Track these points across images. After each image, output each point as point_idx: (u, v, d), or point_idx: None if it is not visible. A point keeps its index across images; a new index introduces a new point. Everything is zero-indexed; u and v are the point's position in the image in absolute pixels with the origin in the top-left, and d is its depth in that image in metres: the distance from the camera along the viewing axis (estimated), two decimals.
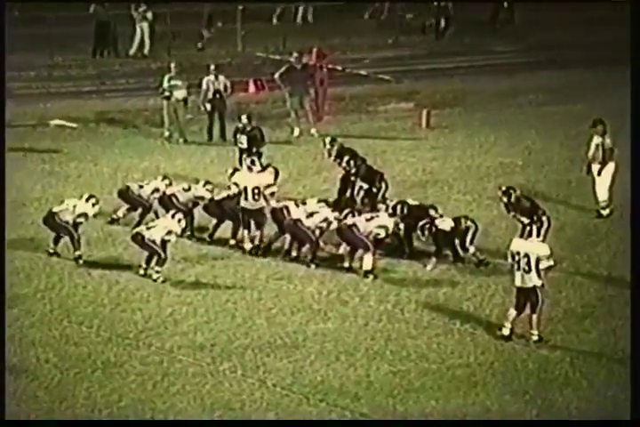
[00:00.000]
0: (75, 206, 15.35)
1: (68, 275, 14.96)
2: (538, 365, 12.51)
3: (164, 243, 14.70)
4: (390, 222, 15.03)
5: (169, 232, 14.69)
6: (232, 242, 15.88)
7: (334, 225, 15.16)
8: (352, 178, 17.09)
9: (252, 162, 16.35)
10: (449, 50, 29.20)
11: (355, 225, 14.91)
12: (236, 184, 15.87)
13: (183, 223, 14.98)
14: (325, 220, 15.19)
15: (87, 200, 15.46)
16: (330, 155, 17.64)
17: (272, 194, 16.11)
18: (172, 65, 21.47)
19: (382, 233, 14.98)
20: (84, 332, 13.39)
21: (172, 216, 14.98)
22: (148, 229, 14.79)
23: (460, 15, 30.23)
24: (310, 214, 15.28)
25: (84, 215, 15.32)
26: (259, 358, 12.74)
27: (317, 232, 15.29)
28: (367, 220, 15.00)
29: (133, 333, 13.40)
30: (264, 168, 16.82)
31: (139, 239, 14.76)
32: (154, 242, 14.65)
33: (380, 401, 11.82)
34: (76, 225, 15.31)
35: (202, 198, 16.23)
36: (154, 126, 22.14)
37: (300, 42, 27.07)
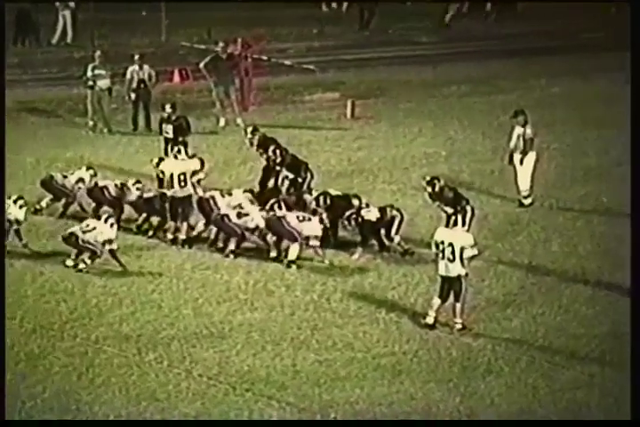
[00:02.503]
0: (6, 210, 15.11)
1: None
2: (461, 353, 12.67)
3: (97, 245, 14.59)
4: (319, 230, 14.96)
5: (109, 241, 14.57)
6: (152, 232, 15.81)
7: (262, 224, 15.14)
8: (277, 168, 17.12)
9: (179, 151, 16.35)
10: (373, 40, 29.37)
11: (284, 217, 14.92)
12: (162, 172, 15.85)
13: (115, 228, 14.86)
14: (257, 227, 15.13)
15: (15, 202, 15.20)
16: (251, 144, 17.63)
17: (199, 182, 16.13)
18: (97, 54, 21.28)
19: (315, 242, 14.91)
20: (7, 323, 13.25)
21: (105, 221, 14.82)
22: (84, 233, 14.66)
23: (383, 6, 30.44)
24: (239, 214, 15.21)
25: (16, 222, 15.12)
26: (185, 349, 12.73)
27: (244, 227, 15.26)
28: (299, 220, 14.97)
29: (58, 324, 13.31)
30: (191, 157, 16.85)
31: (72, 241, 14.63)
32: (88, 242, 14.56)
33: (307, 390, 11.90)
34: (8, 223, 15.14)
35: (130, 203, 16.15)
36: (77, 116, 21.95)
37: (224, 31, 27.02)
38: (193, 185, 15.75)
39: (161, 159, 16.87)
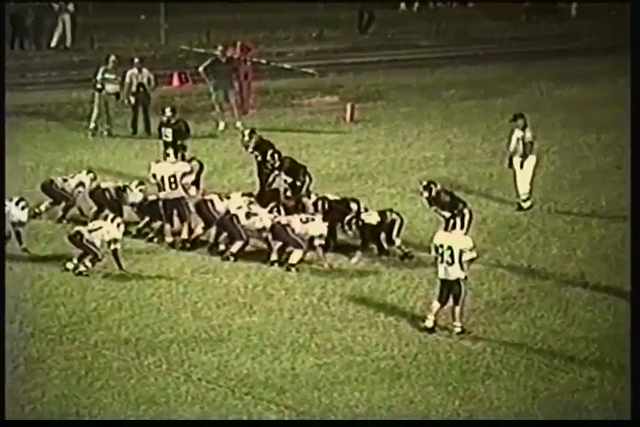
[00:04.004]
0: (8, 213, 15.08)
1: None
2: (460, 356, 12.68)
3: (102, 245, 14.60)
4: (324, 228, 15.02)
5: (114, 240, 14.58)
6: (152, 235, 15.82)
7: (268, 225, 15.15)
8: (276, 171, 17.12)
9: (168, 154, 16.47)
10: (372, 44, 29.40)
11: (289, 225, 14.93)
12: (154, 175, 15.89)
13: (122, 228, 14.88)
14: (263, 228, 15.14)
15: (17, 204, 15.25)
16: (247, 147, 17.64)
17: (196, 184, 16.21)
18: (111, 58, 21.21)
19: (320, 241, 14.94)
20: (6, 327, 13.24)
21: (112, 220, 14.84)
22: (90, 232, 14.66)
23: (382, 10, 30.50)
24: (248, 214, 15.22)
25: (19, 223, 15.17)
26: (184, 352, 12.73)
27: (249, 231, 15.28)
28: (303, 222, 15.00)
29: (56, 328, 13.30)
30: (186, 160, 16.99)
31: (77, 239, 14.63)
32: (93, 244, 14.57)
33: (306, 394, 11.89)
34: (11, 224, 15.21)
35: (133, 205, 16.16)
36: (77, 119, 21.97)
37: (224, 35, 27.05)
38: (184, 187, 15.79)
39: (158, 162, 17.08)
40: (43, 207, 16.64)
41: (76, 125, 21.67)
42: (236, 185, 17.78)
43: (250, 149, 17.54)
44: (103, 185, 16.47)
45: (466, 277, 13.13)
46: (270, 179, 17.09)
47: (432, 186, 15.63)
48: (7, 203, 15.32)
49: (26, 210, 15.34)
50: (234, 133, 20.84)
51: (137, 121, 21.22)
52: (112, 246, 14.62)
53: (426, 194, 15.64)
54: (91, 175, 16.71)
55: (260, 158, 17.34)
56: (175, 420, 11.35)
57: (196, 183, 16.80)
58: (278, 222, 15.09)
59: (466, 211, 15.50)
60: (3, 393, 11.32)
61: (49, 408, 11.57)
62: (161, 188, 15.70)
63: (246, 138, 17.64)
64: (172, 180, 15.69)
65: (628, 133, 14.19)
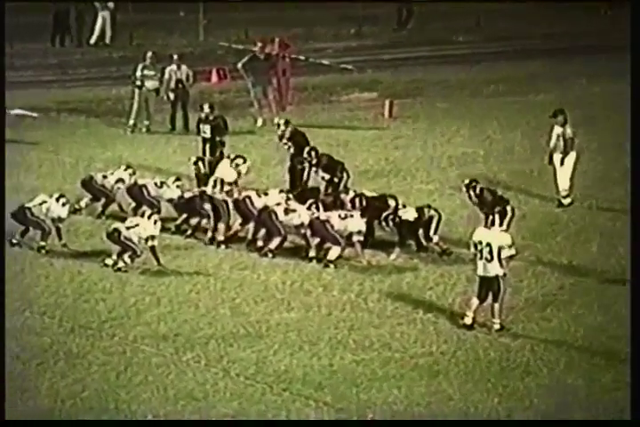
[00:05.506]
0: (48, 209, 15.23)
1: (29, 265, 14.90)
2: (499, 353, 12.62)
3: (139, 242, 14.66)
4: (363, 225, 15.00)
5: (152, 237, 14.62)
6: (190, 232, 15.85)
7: (307, 221, 15.13)
8: (313, 168, 17.10)
9: (243, 161, 16.64)
10: (411, 40, 29.31)
11: (328, 221, 14.91)
12: (215, 180, 16.06)
13: (159, 225, 14.92)
14: (302, 224, 15.15)
15: (57, 200, 15.36)
16: (281, 138, 17.64)
17: (236, 183, 16.44)
18: (148, 55, 21.27)
19: (359, 237, 14.92)
20: (46, 322, 13.35)
21: (149, 217, 14.88)
22: (127, 229, 14.71)
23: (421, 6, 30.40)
24: (286, 210, 15.23)
25: (59, 219, 15.28)
26: (222, 348, 12.75)
27: (287, 228, 15.28)
28: (341, 218, 14.99)
29: (96, 323, 13.37)
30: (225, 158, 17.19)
31: (114, 237, 14.69)
32: (130, 241, 14.62)
33: (344, 390, 11.88)
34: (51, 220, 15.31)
35: (171, 200, 16.22)
36: (116, 116, 22.07)
37: (262, 31, 27.08)
38: (231, 187, 15.97)
39: (199, 159, 17.14)
40: (83, 203, 16.72)
41: (115, 122, 21.77)
42: (274, 181, 17.79)
43: (284, 140, 17.55)
44: (140, 181, 16.54)
45: (505, 274, 13.06)
46: (305, 175, 17.09)
47: (475, 184, 15.61)
48: (47, 199, 15.43)
49: (66, 206, 15.44)
50: (272, 130, 20.82)
51: (175, 117, 21.28)
52: (149, 243, 14.67)
53: (470, 192, 15.61)
54: (129, 171, 16.78)
55: (292, 150, 17.34)
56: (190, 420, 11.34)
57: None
58: (317, 218, 15.08)
59: (508, 208, 15.47)
60: (3, 393, 11.37)
61: (89, 403, 11.63)
62: (230, 193, 15.81)
63: (281, 128, 17.67)
64: (235, 184, 16.03)
65: None
